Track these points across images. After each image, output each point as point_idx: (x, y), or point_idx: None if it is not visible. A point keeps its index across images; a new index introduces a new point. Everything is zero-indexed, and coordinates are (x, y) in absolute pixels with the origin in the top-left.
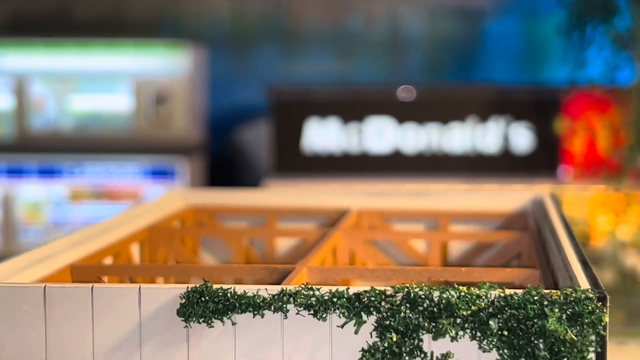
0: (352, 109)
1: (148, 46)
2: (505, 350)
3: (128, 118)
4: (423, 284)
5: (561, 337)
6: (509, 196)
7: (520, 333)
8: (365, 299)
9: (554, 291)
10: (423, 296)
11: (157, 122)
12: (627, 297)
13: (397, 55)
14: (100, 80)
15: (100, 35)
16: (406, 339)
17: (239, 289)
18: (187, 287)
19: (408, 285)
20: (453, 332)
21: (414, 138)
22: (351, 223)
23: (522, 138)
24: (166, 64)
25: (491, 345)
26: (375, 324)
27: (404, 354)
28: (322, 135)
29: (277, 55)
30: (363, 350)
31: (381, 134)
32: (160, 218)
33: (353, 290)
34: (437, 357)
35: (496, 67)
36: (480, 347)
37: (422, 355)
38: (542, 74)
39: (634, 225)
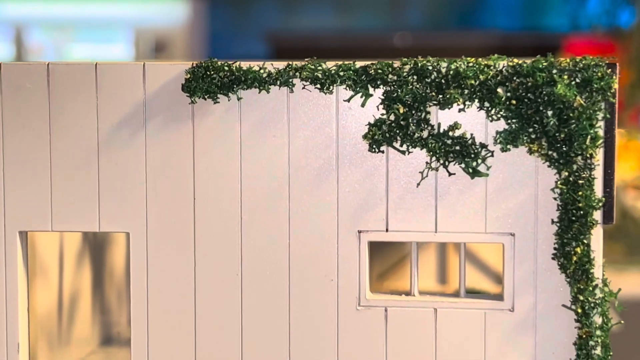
0: (350, 56)
1: None
2: (514, 120)
3: None
4: (430, 58)
5: (570, 102)
6: None
7: (529, 102)
8: (372, 71)
9: (562, 59)
10: (431, 67)
11: None
12: (627, 232)
13: (396, 5)
14: (99, 28)
15: None
16: (413, 111)
17: (245, 64)
18: (192, 63)
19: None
20: (461, 101)
21: None
22: None
23: None
24: (165, 13)
25: (499, 115)
26: (382, 97)
27: (411, 126)
28: None
29: (277, 8)
30: (369, 124)
31: None
32: None
33: (360, 63)
34: (444, 129)
35: (496, 13)
36: (488, 117)
37: (429, 128)
38: (542, 20)
39: (633, 165)
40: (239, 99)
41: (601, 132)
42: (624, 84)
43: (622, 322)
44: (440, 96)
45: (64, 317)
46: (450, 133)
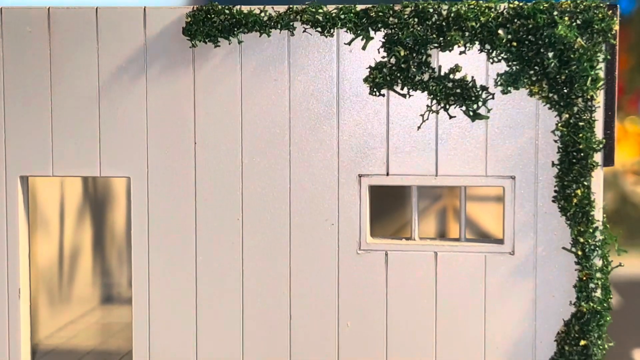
0: None
1: None
2: (515, 62)
3: None
4: (431, 0)
5: (571, 44)
6: None
7: (530, 44)
8: (373, 14)
9: (563, 0)
10: (432, 10)
11: None
12: (627, 216)
13: None
14: None
15: None
16: (414, 54)
17: (245, 7)
18: (193, 6)
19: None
20: (462, 43)
21: None
22: None
23: None
24: None
25: (500, 57)
26: (383, 40)
27: (412, 69)
28: None
29: None
30: (370, 67)
31: None
32: None
33: (361, 6)
34: (445, 72)
35: None
36: (488, 59)
37: (430, 71)
38: None
39: (633, 151)
40: (239, 42)
41: (602, 74)
42: (623, 69)
43: (622, 264)
44: (441, 38)
45: (65, 274)
46: (451, 76)
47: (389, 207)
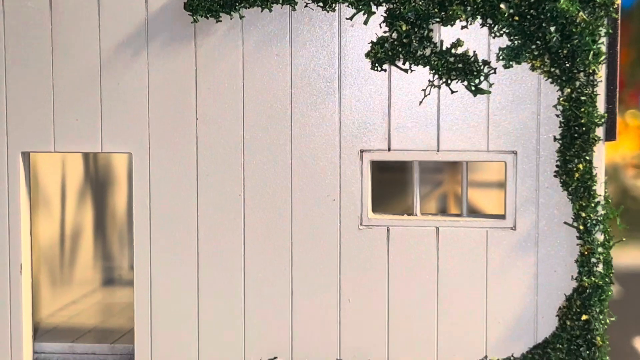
0: None
1: None
2: (517, 36)
3: None
4: None
5: (573, 18)
6: None
7: (532, 18)
8: None
9: None
10: None
11: None
12: (626, 208)
13: None
14: None
15: None
16: (416, 28)
17: None
18: None
19: None
20: (463, 17)
21: None
22: None
23: None
24: None
25: (502, 31)
26: (385, 15)
27: (414, 44)
28: None
29: None
30: (372, 42)
31: None
32: None
33: None
34: (446, 47)
35: None
36: (490, 34)
37: (432, 45)
38: None
39: (633, 144)
40: (241, 17)
41: (604, 48)
42: (624, 63)
43: (624, 239)
44: (443, 13)
45: (66, 254)
46: (453, 50)
47: (391, 191)
